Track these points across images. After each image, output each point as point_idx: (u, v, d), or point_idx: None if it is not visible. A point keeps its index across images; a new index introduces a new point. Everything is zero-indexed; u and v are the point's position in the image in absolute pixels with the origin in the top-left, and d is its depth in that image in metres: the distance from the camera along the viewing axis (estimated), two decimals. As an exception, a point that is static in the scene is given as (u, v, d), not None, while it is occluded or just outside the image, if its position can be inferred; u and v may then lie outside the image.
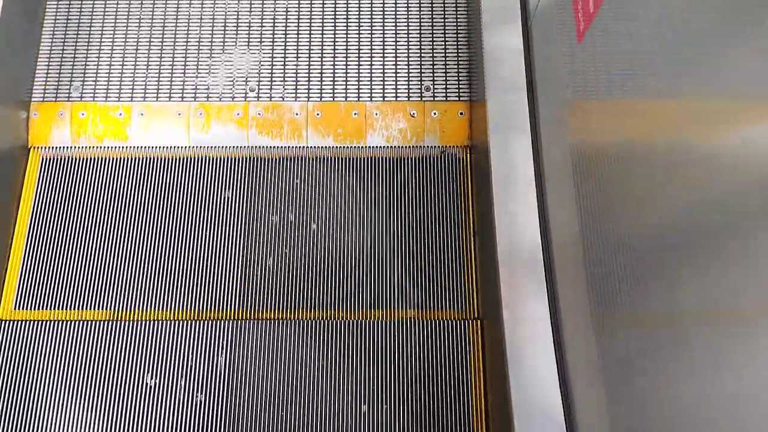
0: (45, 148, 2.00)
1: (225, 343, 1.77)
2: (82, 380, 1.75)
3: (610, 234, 1.04)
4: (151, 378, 1.74)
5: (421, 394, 1.72)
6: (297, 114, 2.03)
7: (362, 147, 2.00)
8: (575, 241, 1.27)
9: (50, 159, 1.99)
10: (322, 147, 2.00)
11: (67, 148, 2.00)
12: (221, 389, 1.73)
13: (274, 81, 2.06)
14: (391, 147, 2.00)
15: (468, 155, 1.99)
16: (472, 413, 1.70)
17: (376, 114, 2.03)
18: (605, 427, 1.09)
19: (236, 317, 1.83)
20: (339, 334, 1.79)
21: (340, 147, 2.00)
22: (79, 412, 1.72)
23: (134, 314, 1.84)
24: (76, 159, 1.99)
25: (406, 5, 2.11)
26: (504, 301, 1.43)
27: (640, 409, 0.89)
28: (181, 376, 1.74)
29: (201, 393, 1.72)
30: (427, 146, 2.00)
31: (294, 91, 2.05)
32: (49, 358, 1.78)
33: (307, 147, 2.01)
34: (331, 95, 2.04)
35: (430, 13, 2.11)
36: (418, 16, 2.10)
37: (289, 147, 2.00)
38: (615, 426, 1.03)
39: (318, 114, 2.03)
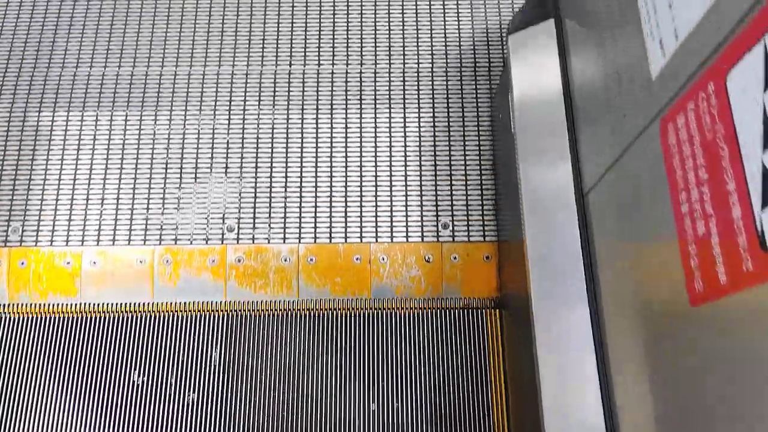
0: (-25, 305, 1.63)
1: (219, 337, 1.62)
2: (59, 379, 1.57)
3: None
4: (139, 376, 1.59)
5: (435, 393, 1.54)
6: (285, 260, 1.65)
7: (366, 300, 1.63)
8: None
9: (-18, 320, 1.62)
10: (316, 300, 1.63)
11: (3, 306, 1.63)
12: (215, 388, 1.57)
13: (258, 218, 1.68)
14: (402, 299, 1.63)
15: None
16: (493, 417, 1.52)
17: (383, 259, 1.65)
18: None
19: (230, 309, 1.63)
20: (343, 326, 1.60)
21: (339, 300, 1.63)
22: (57, 413, 1.54)
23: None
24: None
25: (417, 123, 1.74)
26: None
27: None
28: (172, 373, 1.58)
29: (193, 392, 1.57)
30: (446, 298, 1.63)
31: (282, 230, 1.67)
32: (28, 353, 1.59)
33: (298, 300, 1.63)
34: (328, 236, 1.67)
35: (447, 132, 1.73)
36: (431, 138, 1.72)
37: (276, 301, 1.63)
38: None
39: (311, 259, 1.65)
